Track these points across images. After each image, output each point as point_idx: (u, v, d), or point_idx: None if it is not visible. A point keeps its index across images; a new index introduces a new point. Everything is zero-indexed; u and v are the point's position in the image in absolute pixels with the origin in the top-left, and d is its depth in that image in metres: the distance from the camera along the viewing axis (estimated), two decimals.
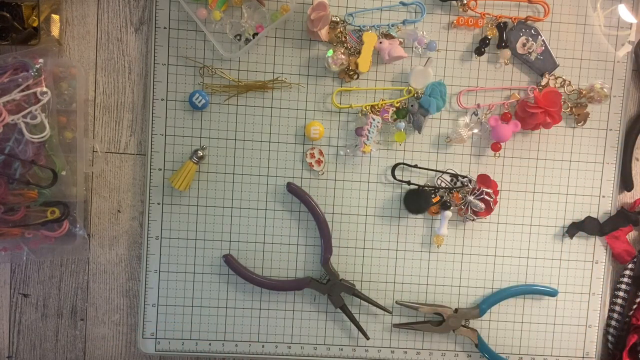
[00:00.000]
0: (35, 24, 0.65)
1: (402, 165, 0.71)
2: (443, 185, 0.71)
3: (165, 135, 0.69)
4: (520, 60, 0.70)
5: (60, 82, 0.65)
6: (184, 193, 0.70)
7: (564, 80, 0.71)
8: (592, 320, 0.74)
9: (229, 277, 0.71)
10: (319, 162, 0.70)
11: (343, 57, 0.67)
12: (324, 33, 0.66)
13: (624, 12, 0.70)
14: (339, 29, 0.68)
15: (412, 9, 0.69)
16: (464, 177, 0.71)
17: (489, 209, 0.70)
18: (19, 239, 0.65)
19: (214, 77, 0.69)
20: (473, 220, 0.71)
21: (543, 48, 0.69)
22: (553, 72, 0.70)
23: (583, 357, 0.74)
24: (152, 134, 0.69)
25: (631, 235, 0.74)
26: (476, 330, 0.72)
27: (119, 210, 0.70)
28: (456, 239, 0.72)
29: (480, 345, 0.72)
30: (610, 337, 0.74)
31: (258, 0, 0.66)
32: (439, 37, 0.70)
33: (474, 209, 0.70)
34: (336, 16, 0.68)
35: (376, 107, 0.69)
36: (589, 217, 0.72)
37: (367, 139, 0.68)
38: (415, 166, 0.71)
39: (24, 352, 0.72)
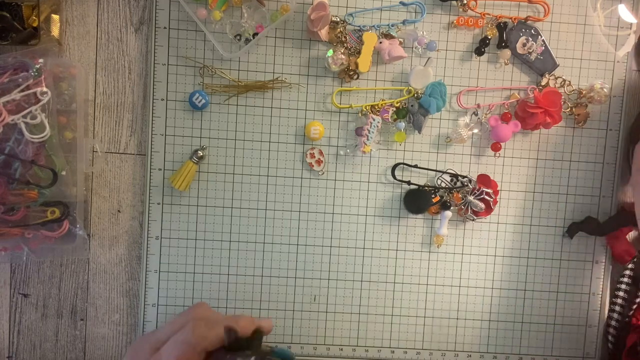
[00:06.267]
0: (35, 24, 0.65)
1: (402, 165, 0.71)
2: (443, 185, 0.71)
3: (165, 135, 0.69)
4: (520, 60, 0.70)
5: (60, 82, 0.65)
6: (184, 193, 0.70)
7: (564, 80, 0.71)
8: (592, 320, 0.74)
9: (229, 277, 0.71)
10: (319, 162, 0.70)
11: (343, 57, 0.67)
12: (324, 33, 0.66)
13: (624, 12, 0.70)
14: (339, 29, 0.68)
15: (412, 9, 0.69)
16: (464, 177, 0.71)
17: (489, 209, 0.70)
18: (19, 239, 0.65)
19: (214, 77, 0.69)
20: (473, 220, 0.71)
21: (543, 48, 0.69)
22: (553, 72, 0.70)
23: (583, 357, 0.74)
24: (152, 134, 0.69)
25: (631, 235, 0.74)
26: None
27: (119, 210, 0.70)
28: (456, 239, 0.72)
29: None
30: (610, 337, 0.74)
31: (258, 0, 0.66)
32: (439, 37, 0.70)
33: (474, 209, 0.70)
34: (336, 16, 0.68)
35: (376, 107, 0.69)
36: (589, 217, 0.72)
37: (367, 139, 0.68)
38: (415, 166, 0.71)
39: (24, 352, 0.72)
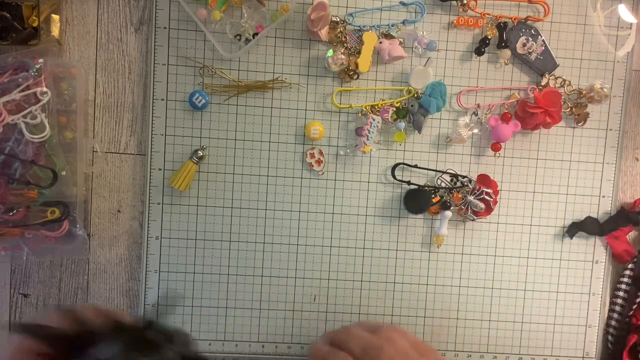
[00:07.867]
0: (35, 24, 0.65)
1: (402, 165, 0.71)
2: (443, 185, 0.71)
3: (165, 135, 0.69)
4: (520, 60, 0.70)
5: (60, 82, 0.65)
6: (184, 193, 0.70)
7: (564, 80, 0.71)
8: (592, 320, 0.74)
9: (229, 277, 0.71)
10: (319, 162, 0.70)
11: (343, 57, 0.67)
12: (324, 33, 0.66)
13: (624, 12, 0.70)
14: (339, 29, 0.68)
15: (412, 9, 0.69)
16: (464, 177, 0.71)
17: (489, 209, 0.70)
18: (19, 239, 0.65)
19: (214, 77, 0.69)
20: (473, 220, 0.71)
21: (543, 48, 0.69)
22: (553, 72, 0.70)
23: (583, 357, 0.74)
24: (152, 134, 0.69)
25: (631, 235, 0.74)
26: None
27: (119, 210, 0.70)
28: (456, 239, 0.72)
29: None
30: (610, 337, 0.74)
31: (258, 0, 0.66)
32: (439, 37, 0.70)
33: (474, 209, 0.70)
34: (336, 16, 0.68)
35: (376, 107, 0.69)
36: (589, 217, 0.72)
37: (367, 139, 0.68)
38: (415, 166, 0.71)
39: None
